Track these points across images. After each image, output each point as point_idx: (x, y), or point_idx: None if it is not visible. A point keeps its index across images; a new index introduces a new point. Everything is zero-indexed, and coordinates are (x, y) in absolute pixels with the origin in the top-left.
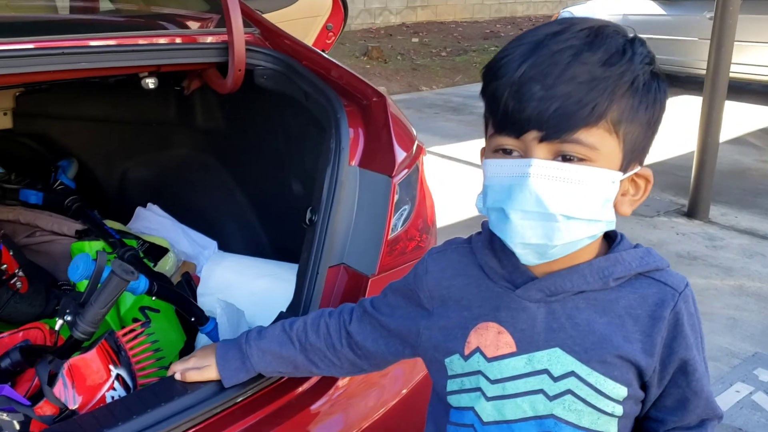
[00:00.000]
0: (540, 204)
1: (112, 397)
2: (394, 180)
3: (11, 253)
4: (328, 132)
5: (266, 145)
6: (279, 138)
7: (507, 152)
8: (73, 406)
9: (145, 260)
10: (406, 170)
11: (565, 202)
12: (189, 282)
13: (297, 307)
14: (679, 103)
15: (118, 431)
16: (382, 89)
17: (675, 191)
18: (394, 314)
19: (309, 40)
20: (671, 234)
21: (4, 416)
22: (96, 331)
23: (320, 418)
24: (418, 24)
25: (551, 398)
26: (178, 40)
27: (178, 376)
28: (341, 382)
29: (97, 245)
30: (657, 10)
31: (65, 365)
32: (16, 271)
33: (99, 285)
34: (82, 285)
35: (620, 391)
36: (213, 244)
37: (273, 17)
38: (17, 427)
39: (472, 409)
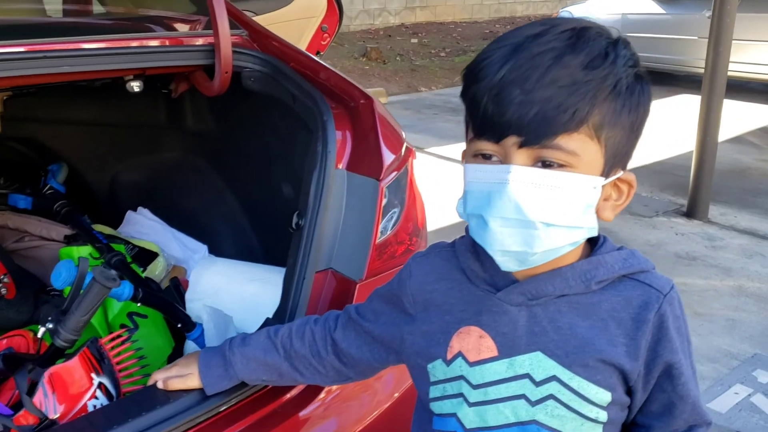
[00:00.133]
0: (519, 211)
1: (94, 406)
2: (381, 183)
3: None
4: (315, 135)
5: (256, 148)
6: (269, 140)
7: (486, 157)
8: (53, 416)
9: (133, 265)
10: (394, 173)
11: (545, 209)
12: (177, 287)
13: (283, 314)
14: (679, 102)
15: None
16: (380, 90)
17: (674, 191)
18: (378, 320)
19: (304, 42)
20: (670, 234)
21: None
22: (78, 338)
23: (307, 427)
24: (417, 24)
25: (533, 403)
26: (163, 43)
27: (160, 385)
28: (328, 390)
29: (86, 250)
30: (656, 8)
31: (46, 374)
32: (2, 276)
33: (82, 291)
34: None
35: (604, 396)
36: (203, 248)
37: (268, 19)
38: None
39: (454, 415)
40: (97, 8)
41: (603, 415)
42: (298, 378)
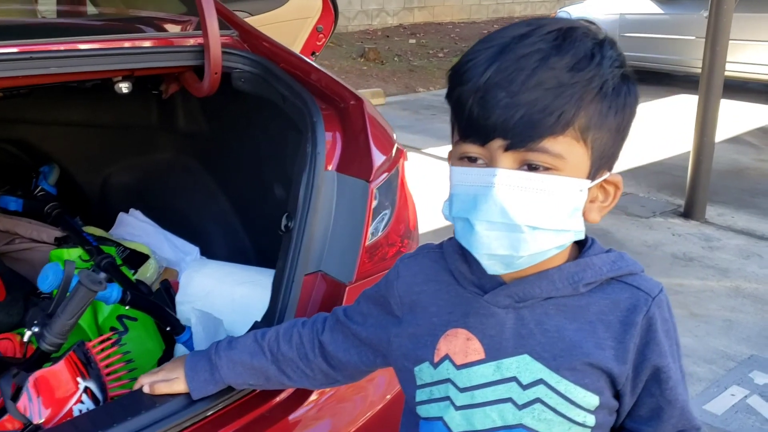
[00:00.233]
0: (505, 215)
1: (80, 411)
2: (372, 185)
3: None
4: (305, 136)
5: (248, 149)
6: (260, 142)
7: (472, 160)
8: (38, 421)
9: (124, 268)
10: (385, 174)
11: (531, 213)
12: (168, 289)
13: (272, 317)
14: (677, 102)
15: None
16: (378, 91)
17: (671, 191)
18: (365, 322)
19: (299, 42)
20: (667, 235)
21: None
22: (65, 342)
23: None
24: (415, 25)
25: (520, 407)
26: (151, 44)
27: (146, 389)
28: (317, 393)
29: (76, 253)
30: (654, 8)
31: (30, 378)
32: None
33: (68, 295)
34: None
35: (591, 399)
36: (195, 249)
37: (263, 19)
38: None
39: (441, 419)
40: (86, 10)
41: (591, 419)
42: (285, 381)
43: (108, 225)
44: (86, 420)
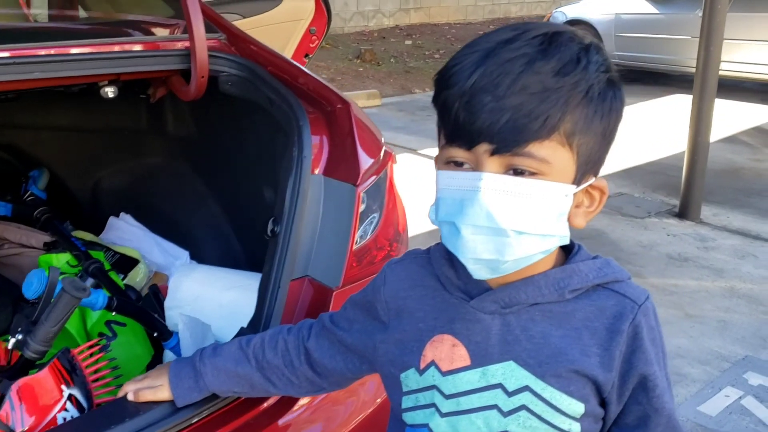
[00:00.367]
0: (491, 219)
1: (64, 419)
2: (359, 188)
3: None
4: (291, 139)
5: (237, 153)
6: (249, 145)
7: (458, 164)
8: (20, 429)
9: (112, 273)
10: (373, 177)
11: (517, 217)
12: (156, 294)
13: (258, 323)
14: (672, 101)
15: None
16: (374, 92)
17: (666, 192)
18: (351, 329)
19: (292, 44)
20: (662, 235)
21: None
22: (49, 349)
23: None
24: (412, 26)
25: (505, 414)
26: (137, 48)
27: (131, 396)
28: (304, 400)
29: (65, 258)
30: (649, 8)
31: (13, 386)
32: None
33: (52, 301)
34: None
35: (577, 407)
36: (185, 254)
37: (255, 22)
38: None
39: (426, 426)
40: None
41: (576, 427)
42: (270, 389)
43: (98, 229)
44: (69, 428)
